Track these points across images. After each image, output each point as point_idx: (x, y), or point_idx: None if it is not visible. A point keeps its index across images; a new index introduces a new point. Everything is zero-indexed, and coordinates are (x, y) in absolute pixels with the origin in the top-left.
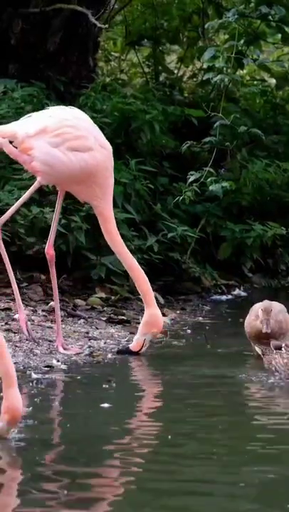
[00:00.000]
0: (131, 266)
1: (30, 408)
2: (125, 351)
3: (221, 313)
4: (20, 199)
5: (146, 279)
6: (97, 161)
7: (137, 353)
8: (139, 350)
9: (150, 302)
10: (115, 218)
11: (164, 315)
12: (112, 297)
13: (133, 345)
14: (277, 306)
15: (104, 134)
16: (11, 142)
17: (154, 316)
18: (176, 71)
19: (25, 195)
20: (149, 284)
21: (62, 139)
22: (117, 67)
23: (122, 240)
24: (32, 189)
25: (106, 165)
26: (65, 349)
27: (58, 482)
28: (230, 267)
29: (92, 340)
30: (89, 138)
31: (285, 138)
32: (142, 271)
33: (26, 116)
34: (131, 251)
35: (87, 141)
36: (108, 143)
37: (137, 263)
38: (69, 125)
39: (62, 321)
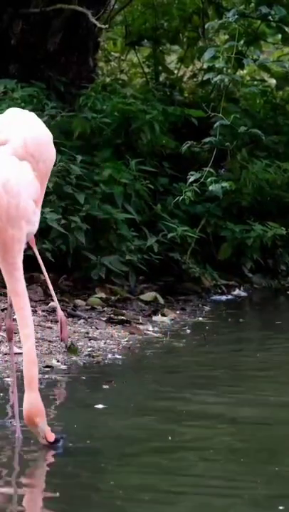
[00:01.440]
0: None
1: None
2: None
3: (221, 314)
4: None
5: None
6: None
7: None
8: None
9: None
10: (115, 218)
11: (163, 315)
12: (112, 297)
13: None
14: None
15: (104, 135)
16: None
17: None
18: (176, 71)
19: None
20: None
21: None
22: (117, 67)
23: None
24: None
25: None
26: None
27: (56, 482)
28: (230, 267)
29: (92, 341)
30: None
31: (285, 138)
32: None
33: None
34: (131, 251)
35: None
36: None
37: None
38: None
39: None
